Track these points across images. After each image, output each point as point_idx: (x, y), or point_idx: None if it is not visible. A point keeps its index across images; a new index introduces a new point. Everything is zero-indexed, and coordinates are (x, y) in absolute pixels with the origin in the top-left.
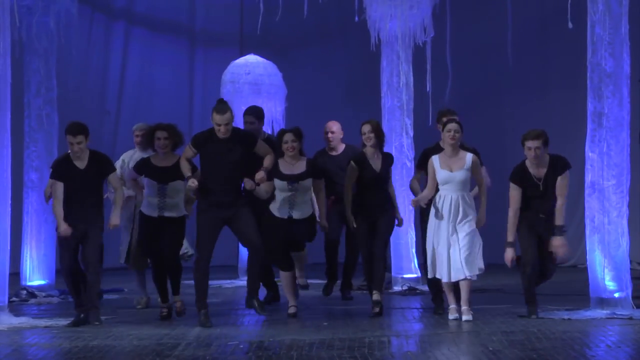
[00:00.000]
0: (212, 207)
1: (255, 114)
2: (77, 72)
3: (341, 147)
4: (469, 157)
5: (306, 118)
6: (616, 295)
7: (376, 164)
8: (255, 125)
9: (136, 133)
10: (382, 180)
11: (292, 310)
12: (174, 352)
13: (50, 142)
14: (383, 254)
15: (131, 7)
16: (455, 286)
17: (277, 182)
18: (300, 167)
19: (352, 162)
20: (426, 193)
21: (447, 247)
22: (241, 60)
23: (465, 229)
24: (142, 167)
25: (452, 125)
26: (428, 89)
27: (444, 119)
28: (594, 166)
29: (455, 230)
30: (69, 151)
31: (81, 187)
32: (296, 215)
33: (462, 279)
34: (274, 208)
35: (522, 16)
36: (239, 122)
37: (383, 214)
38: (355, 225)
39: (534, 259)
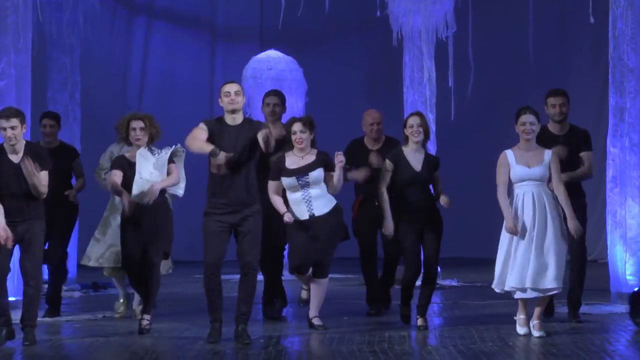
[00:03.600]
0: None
1: (278, 95)
2: (100, 66)
3: (382, 140)
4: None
5: (327, 113)
6: (637, 289)
7: (416, 163)
8: (278, 107)
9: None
10: (424, 181)
11: (304, 295)
12: (195, 346)
13: (73, 136)
14: (435, 271)
15: (153, 1)
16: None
17: (285, 181)
18: (309, 158)
19: (387, 160)
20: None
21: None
22: (262, 55)
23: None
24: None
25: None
26: (450, 84)
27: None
28: (615, 161)
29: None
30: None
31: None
32: (318, 211)
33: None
34: (292, 210)
35: (543, 10)
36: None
37: (429, 222)
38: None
39: None
